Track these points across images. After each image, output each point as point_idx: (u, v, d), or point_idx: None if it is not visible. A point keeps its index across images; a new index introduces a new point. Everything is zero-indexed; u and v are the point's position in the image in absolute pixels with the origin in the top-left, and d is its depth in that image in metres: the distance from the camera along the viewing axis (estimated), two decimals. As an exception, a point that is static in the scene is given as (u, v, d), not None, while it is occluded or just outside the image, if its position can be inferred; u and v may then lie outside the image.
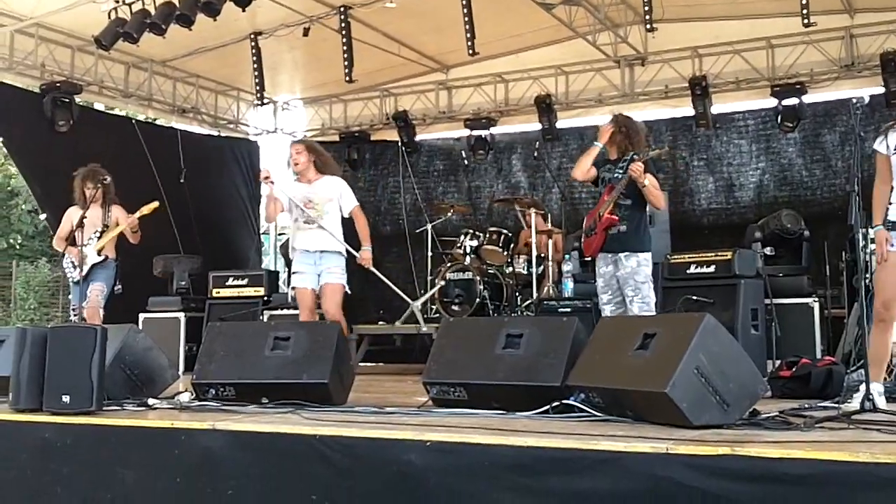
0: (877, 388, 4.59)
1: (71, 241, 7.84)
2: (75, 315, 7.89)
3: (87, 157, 8.52)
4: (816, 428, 3.81)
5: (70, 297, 8.34)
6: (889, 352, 4.72)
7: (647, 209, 6.37)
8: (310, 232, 6.94)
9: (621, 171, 6.21)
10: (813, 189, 10.44)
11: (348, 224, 7.16)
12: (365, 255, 7.10)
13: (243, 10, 8.83)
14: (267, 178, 6.97)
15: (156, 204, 7.98)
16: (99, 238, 7.85)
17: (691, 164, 11.11)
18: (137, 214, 7.88)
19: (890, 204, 4.73)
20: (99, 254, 7.83)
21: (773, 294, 7.54)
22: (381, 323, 10.23)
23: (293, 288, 7.22)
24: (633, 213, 6.22)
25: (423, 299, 9.25)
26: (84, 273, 7.76)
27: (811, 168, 10.49)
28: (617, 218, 6.15)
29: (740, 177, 10.91)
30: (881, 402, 4.48)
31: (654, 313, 6.19)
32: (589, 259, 8.37)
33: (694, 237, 10.00)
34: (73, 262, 7.86)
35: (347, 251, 7.06)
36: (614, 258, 6.20)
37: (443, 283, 9.40)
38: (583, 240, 6.53)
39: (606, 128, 6.41)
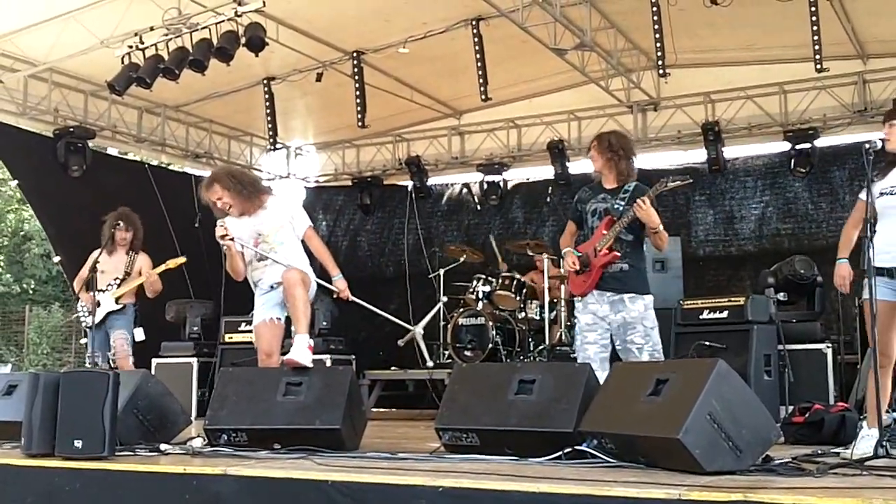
0: (871, 434, 4.61)
1: (87, 285, 7.70)
2: (90, 361, 7.83)
3: (101, 201, 8.57)
4: (829, 474, 3.79)
5: (84, 341, 8.33)
6: (887, 396, 4.71)
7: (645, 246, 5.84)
8: (265, 269, 6.02)
9: (622, 202, 5.56)
10: (818, 222, 10.33)
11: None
12: (340, 285, 6.15)
13: (256, 56, 8.92)
14: (224, 236, 5.85)
15: (183, 259, 7.95)
16: (119, 286, 7.81)
17: (692, 199, 11.05)
18: (162, 268, 7.85)
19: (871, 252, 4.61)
20: (117, 302, 7.78)
21: (785, 340, 7.51)
22: (393, 368, 10.21)
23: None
24: (636, 251, 5.61)
25: (423, 322, 9.11)
26: (98, 320, 7.62)
27: (817, 201, 10.40)
28: (619, 254, 5.52)
29: (742, 209, 10.85)
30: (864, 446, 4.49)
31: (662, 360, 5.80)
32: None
33: (689, 268, 9.54)
34: (88, 308, 7.80)
35: (321, 285, 6.26)
36: (612, 298, 5.54)
37: (445, 299, 9.27)
38: (570, 276, 5.76)
39: (595, 156, 5.78)
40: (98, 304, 7.63)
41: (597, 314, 5.60)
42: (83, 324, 8.00)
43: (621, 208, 5.56)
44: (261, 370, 5.88)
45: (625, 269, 5.56)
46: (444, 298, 9.72)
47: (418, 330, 8.79)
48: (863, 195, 4.97)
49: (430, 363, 8.84)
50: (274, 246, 5.98)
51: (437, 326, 10.30)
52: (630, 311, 5.53)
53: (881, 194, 4.83)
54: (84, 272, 7.86)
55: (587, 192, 5.84)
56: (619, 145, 5.72)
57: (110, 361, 7.68)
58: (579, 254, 5.70)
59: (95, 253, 7.74)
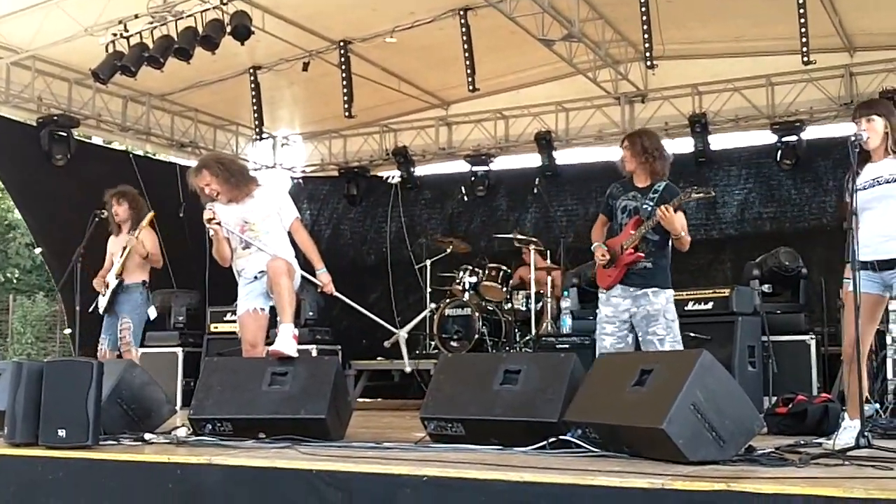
0: (853, 425, 4.67)
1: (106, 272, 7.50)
2: (101, 345, 7.56)
3: (84, 191, 8.49)
4: (812, 464, 3.82)
5: (67, 331, 8.18)
6: (863, 389, 4.76)
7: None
8: (249, 257, 6.02)
9: (651, 203, 5.67)
10: (800, 206, 10.35)
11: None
12: (324, 279, 6.13)
13: (242, 45, 8.88)
14: (212, 220, 5.86)
15: (151, 213, 7.58)
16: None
17: (677, 185, 11.04)
18: (137, 232, 7.45)
19: (856, 244, 4.63)
20: (117, 277, 7.43)
21: (770, 331, 7.57)
22: (379, 358, 10.21)
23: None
24: (661, 249, 5.75)
25: (409, 326, 9.04)
26: (107, 302, 7.41)
27: (800, 187, 10.43)
28: (643, 255, 5.66)
29: (725, 195, 10.87)
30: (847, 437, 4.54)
31: None
32: (588, 295, 8.42)
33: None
34: (101, 293, 7.51)
35: (305, 278, 6.21)
36: (636, 293, 5.68)
37: (433, 306, 9.26)
38: (598, 269, 5.88)
39: (627, 157, 5.82)
40: (107, 287, 7.47)
41: (618, 308, 5.74)
42: (100, 310, 7.64)
43: (650, 208, 5.68)
44: (246, 360, 5.88)
45: (648, 266, 5.70)
46: (432, 305, 9.67)
47: (402, 334, 8.69)
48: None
49: (408, 368, 8.74)
50: (259, 234, 5.96)
51: (408, 312, 10.29)
52: (653, 304, 5.67)
53: (857, 190, 4.84)
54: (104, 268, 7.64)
55: (618, 189, 5.93)
56: (652, 147, 5.82)
57: (119, 347, 7.42)
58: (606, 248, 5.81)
59: (108, 243, 7.63)
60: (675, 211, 5.56)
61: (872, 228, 4.80)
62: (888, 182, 4.88)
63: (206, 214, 5.87)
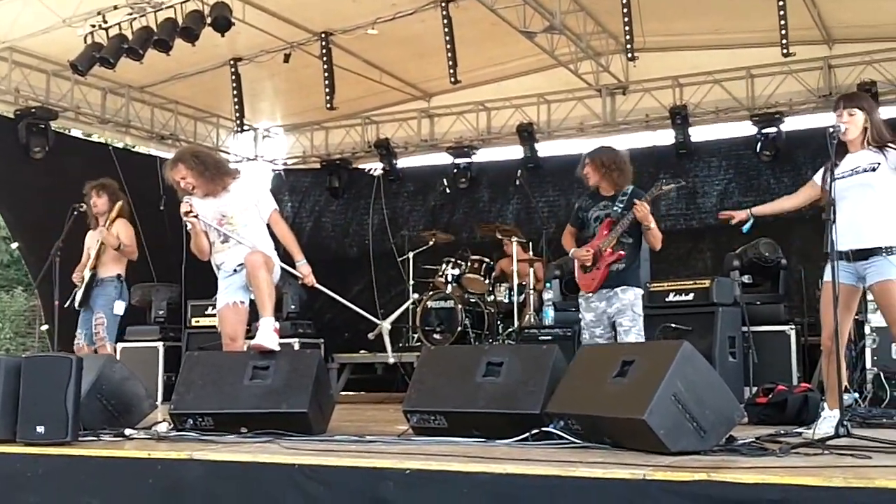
0: (833, 415, 4.73)
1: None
2: (77, 341, 7.50)
3: (63, 185, 8.40)
4: (792, 454, 3.84)
5: (45, 327, 8.12)
6: (840, 377, 4.81)
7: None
8: (228, 251, 5.95)
9: (621, 206, 6.02)
10: (780, 195, 10.33)
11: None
12: (304, 270, 6.09)
13: (222, 36, 8.83)
14: (189, 213, 5.82)
15: (120, 203, 7.49)
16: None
17: (657, 177, 11.07)
18: (107, 223, 7.39)
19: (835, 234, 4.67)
20: (91, 271, 7.38)
21: (750, 322, 7.62)
22: (362, 351, 10.19)
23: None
24: (633, 251, 6.07)
25: (392, 317, 9.03)
26: (80, 297, 7.37)
27: (780, 176, 10.49)
28: (623, 253, 5.96)
29: (705, 185, 10.97)
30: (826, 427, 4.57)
31: None
32: (570, 287, 8.44)
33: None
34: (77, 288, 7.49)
35: (285, 270, 6.18)
36: (608, 293, 6.01)
37: (416, 296, 9.22)
38: (579, 274, 6.19)
39: (590, 172, 6.15)
40: (82, 281, 7.43)
41: (598, 311, 6.08)
42: (76, 304, 7.61)
43: (620, 211, 6.03)
44: (227, 354, 5.85)
45: (621, 268, 6.02)
46: (415, 295, 9.65)
47: (385, 325, 8.67)
48: (816, 178, 5.16)
49: (391, 360, 8.71)
50: (237, 227, 5.91)
51: (406, 309, 10.31)
52: (622, 300, 5.99)
53: (834, 180, 4.86)
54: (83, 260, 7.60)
55: (588, 201, 6.28)
56: (610, 161, 6.14)
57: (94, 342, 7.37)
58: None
59: (86, 237, 7.58)
60: (650, 203, 5.97)
61: (848, 218, 4.82)
62: (865, 171, 4.92)
63: (183, 207, 5.83)
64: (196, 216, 5.83)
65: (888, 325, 5.06)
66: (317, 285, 6.37)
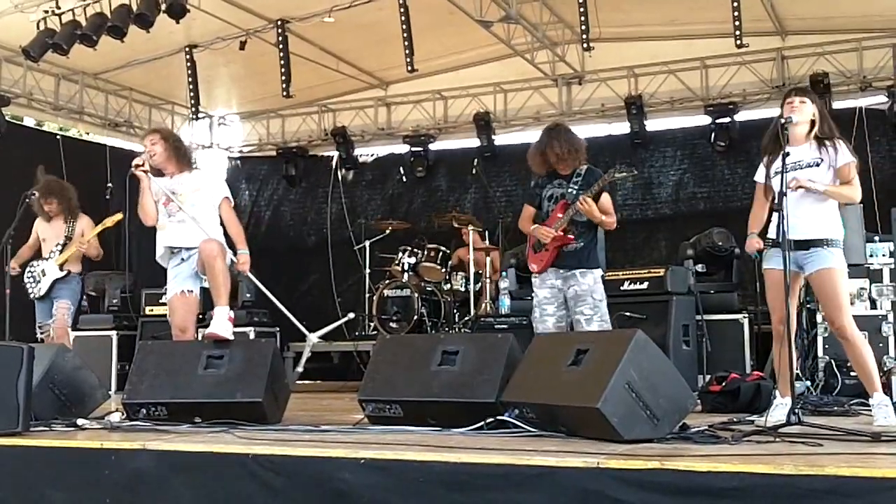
0: (785, 402, 4.86)
1: (36, 255, 7.73)
2: (42, 333, 7.69)
3: (11, 173, 8.30)
4: (744, 441, 3.90)
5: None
6: (792, 366, 4.89)
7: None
8: (174, 228, 6.00)
9: (575, 187, 5.97)
10: (734, 185, 10.52)
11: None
12: (242, 259, 6.01)
13: (177, 23, 8.75)
14: (139, 165, 5.88)
15: (119, 216, 7.50)
16: (61, 252, 7.66)
17: (613, 166, 11.16)
18: (99, 228, 7.67)
19: (785, 224, 4.77)
20: (61, 268, 7.64)
21: (704, 310, 7.71)
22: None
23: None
24: (588, 231, 6.00)
25: (321, 332, 8.71)
26: (45, 289, 7.61)
27: (734, 167, 10.60)
28: (572, 238, 5.91)
29: (660, 176, 11.06)
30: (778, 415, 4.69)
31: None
32: (527, 276, 8.45)
33: (607, 232, 9.75)
34: (34, 278, 7.67)
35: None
36: (565, 274, 5.92)
37: (352, 315, 9.07)
38: (529, 253, 6.17)
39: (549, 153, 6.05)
40: (43, 273, 7.63)
41: (552, 288, 5.97)
42: (31, 295, 7.77)
43: (574, 192, 5.96)
44: (181, 343, 5.81)
45: (577, 247, 5.94)
46: (352, 314, 9.27)
47: (313, 338, 8.37)
48: (758, 177, 5.27)
49: (299, 369, 8.52)
50: (185, 204, 5.97)
51: (362, 298, 10.28)
52: (581, 285, 5.89)
53: (776, 174, 4.94)
54: (26, 246, 7.81)
55: (543, 179, 6.19)
56: (563, 148, 6.02)
57: (52, 332, 7.56)
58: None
59: (36, 223, 7.76)
60: (599, 193, 5.92)
61: (791, 210, 4.88)
62: (809, 167, 5.01)
63: (136, 161, 5.95)
64: (146, 171, 5.94)
65: (824, 313, 5.18)
66: (249, 274, 6.46)
